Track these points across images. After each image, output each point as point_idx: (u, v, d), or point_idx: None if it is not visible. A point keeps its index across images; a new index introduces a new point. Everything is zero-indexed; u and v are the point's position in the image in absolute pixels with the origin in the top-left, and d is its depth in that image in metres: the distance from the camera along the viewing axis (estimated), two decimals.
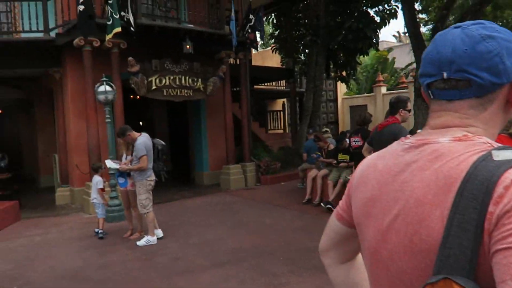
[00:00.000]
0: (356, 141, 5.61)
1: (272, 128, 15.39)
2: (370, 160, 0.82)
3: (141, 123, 13.72)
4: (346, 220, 0.85)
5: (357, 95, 17.91)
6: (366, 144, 4.37)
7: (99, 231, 5.81)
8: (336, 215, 0.89)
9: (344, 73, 12.71)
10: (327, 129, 8.95)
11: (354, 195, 0.82)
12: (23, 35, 8.41)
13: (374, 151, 3.73)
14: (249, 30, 9.64)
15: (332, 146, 7.49)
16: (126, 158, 5.82)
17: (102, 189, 6.00)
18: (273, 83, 15.69)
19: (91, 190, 6.12)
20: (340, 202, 0.89)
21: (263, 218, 6.63)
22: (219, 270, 4.37)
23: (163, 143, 5.89)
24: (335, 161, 7.05)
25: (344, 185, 6.72)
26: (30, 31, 8.06)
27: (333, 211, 0.91)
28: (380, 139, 4.01)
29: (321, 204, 6.89)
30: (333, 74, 12.63)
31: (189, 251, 5.10)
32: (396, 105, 4.06)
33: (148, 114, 13.85)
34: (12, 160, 11.46)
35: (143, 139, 5.45)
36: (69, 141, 8.46)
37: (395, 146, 0.78)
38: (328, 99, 18.10)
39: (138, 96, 8.76)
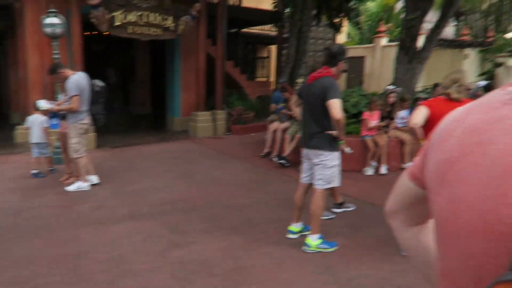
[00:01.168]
0: None
1: (260, 76, 14.73)
2: (458, 113, 0.64)
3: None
4: (420, 180, 0.70)
5: (356, 46, 16.93)
6: (295, 95, 3.94)
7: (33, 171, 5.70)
8: (409, 174, 0.74)
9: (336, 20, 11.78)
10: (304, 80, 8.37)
11: (430, 154, 0.66)
12: None
13: (303, 105, 3.28)
14: None
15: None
16: (62, 98, 5.48)
17: (46, 128, 5.79)
18: (267, 27, 14.79)
19: (30, 128, 5.86)
20: (415, 159, 0.73)
21: (213, 170, 6.35)
22: (132, 223, 4.14)
23: (103, 84, 5.49)
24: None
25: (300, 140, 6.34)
26: None
27: (407, 169, 0.75)
28: (309, 93, 3.61)
29: (273, 159, 6.57)
30: (323, 20, 11.72)
31: (117, 200, 4.88)
32: (338, 56, 3.58)
33: (129, 53, 13.28)
34: None
35: (75, 78, 5.04)
36: (28, 77, 8.09)
37: (493, 95, 0.58)
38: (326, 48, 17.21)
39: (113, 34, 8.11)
